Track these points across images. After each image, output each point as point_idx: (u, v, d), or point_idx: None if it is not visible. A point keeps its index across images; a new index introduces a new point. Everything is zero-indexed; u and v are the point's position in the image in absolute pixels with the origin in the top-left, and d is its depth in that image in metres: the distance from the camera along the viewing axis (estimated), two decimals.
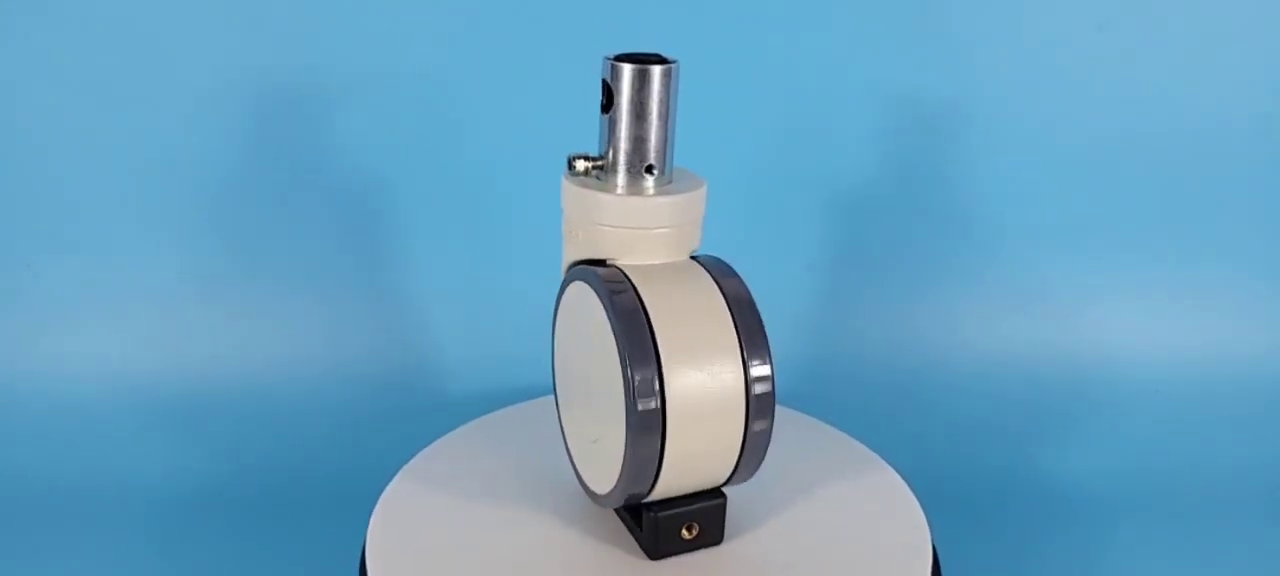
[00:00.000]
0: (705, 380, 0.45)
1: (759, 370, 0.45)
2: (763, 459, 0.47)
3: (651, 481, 0.46)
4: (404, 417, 0.74)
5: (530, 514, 0.52)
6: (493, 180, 0.79)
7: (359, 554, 0.50)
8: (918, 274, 0.82)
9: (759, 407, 0.46)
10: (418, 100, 0.78)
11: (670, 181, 0.49)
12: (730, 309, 0.46)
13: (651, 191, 0.47)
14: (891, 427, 0.72)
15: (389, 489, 0.53)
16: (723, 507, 0.49)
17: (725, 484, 0.48)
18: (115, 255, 0.77)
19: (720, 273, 0.48)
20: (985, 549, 0.64)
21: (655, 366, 0.44)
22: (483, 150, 0.79)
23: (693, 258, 0.49)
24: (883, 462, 0.58)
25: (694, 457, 0.46)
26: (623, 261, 0.48)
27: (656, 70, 0.46)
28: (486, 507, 0.52)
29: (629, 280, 0.46)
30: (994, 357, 0.80)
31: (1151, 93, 0.79)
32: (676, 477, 0.46)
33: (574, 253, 0.49)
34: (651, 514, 0.47)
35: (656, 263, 0.47)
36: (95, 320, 0.77)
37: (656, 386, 0.44)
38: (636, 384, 0.43)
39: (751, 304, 0.46)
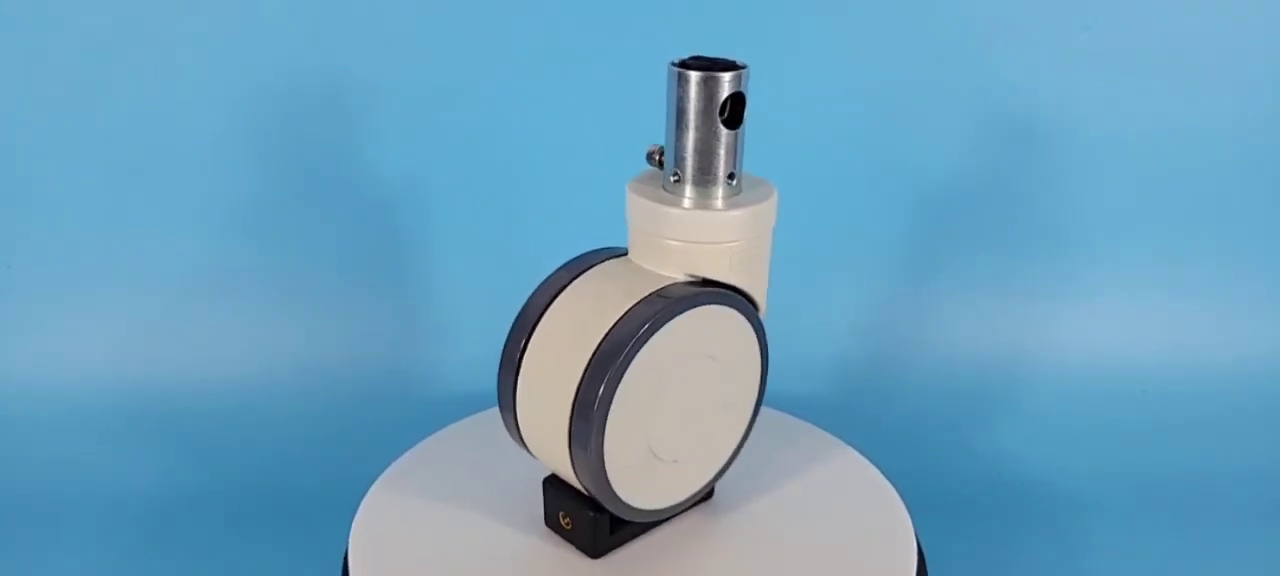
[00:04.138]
0: (547, 378, 0.45)
1: (586, 393, 0.44)
2: (608, 493, 0.46)
3: (516, 432, 0.48)
4: (396, 423, 0.74)
5: (514, 517, 0.51)
6: (491, 183, 0.79)
7: (341, 559, 0.50)
8: (902, 273, 0.82)
9: (579, 430, 0.44)
10: (419, 103, 0.77)
11: (732, 194, 0.46)
12: (609, 332, 0.44)
13: (642, 193, 0.47)
14: (875, 426, 0.72)
15: (371, 493, 0.53)
16: (595, 522, 0.47)
17: (600, 501, 0.46)
18: (99, 257, 0.77)
19: (670, 299, 0.45)
20: (970, 549, 0.64)
21: (526, 333, 0.46)
22: (485, 153, 0.79)
23: (708, 280, 0.46)
24: (866, 461, 0.58)
25: (539, 439, 0.47)
26: (632, 257, 0.47)
27: (685, 74, 0.45)
28: (469, 511, 0.52)
29: (588, 267, 0.47)
30: (979, 356, 0.80)
31: (1137, 92, 0.79)
32: (542, 456, 0.48)
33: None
34: (545, 481, 0.50)
35: (650, 267, 0.47)
36: (77, 322, 0.77)
37: (521, 343, 0.46)
38: (512, 330, 0.47)
39: (624, 343, 0.43)
